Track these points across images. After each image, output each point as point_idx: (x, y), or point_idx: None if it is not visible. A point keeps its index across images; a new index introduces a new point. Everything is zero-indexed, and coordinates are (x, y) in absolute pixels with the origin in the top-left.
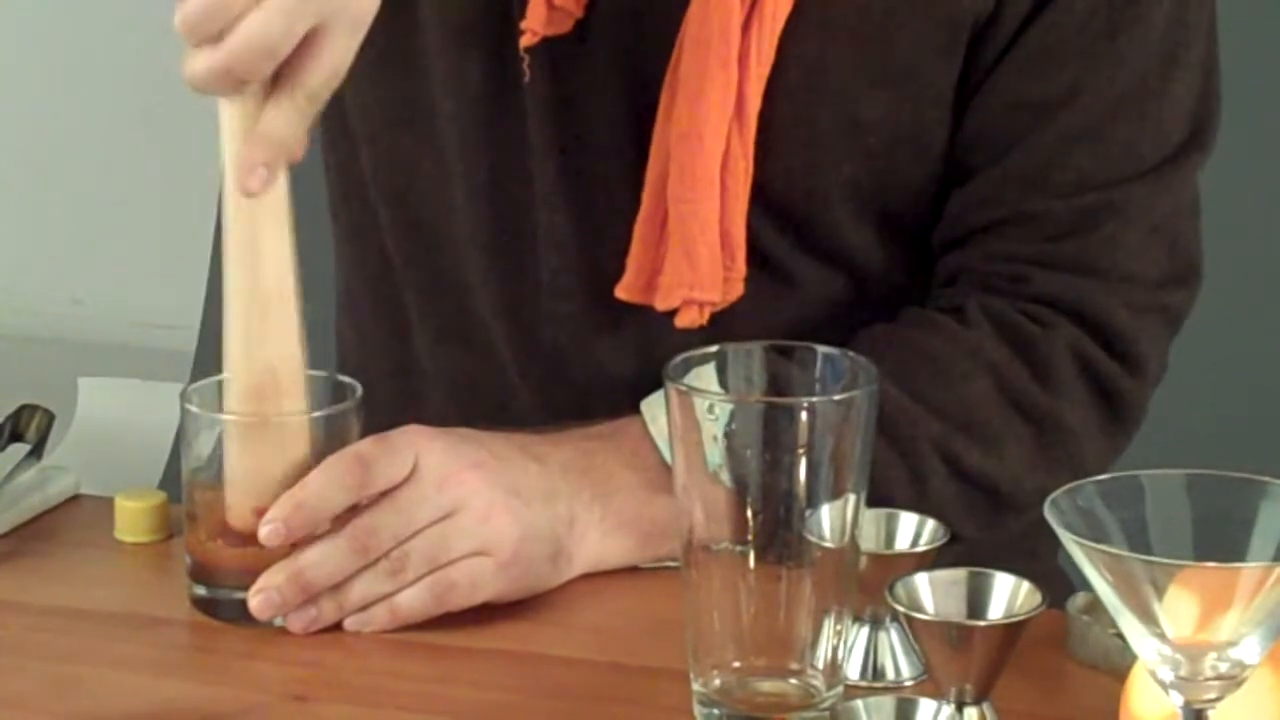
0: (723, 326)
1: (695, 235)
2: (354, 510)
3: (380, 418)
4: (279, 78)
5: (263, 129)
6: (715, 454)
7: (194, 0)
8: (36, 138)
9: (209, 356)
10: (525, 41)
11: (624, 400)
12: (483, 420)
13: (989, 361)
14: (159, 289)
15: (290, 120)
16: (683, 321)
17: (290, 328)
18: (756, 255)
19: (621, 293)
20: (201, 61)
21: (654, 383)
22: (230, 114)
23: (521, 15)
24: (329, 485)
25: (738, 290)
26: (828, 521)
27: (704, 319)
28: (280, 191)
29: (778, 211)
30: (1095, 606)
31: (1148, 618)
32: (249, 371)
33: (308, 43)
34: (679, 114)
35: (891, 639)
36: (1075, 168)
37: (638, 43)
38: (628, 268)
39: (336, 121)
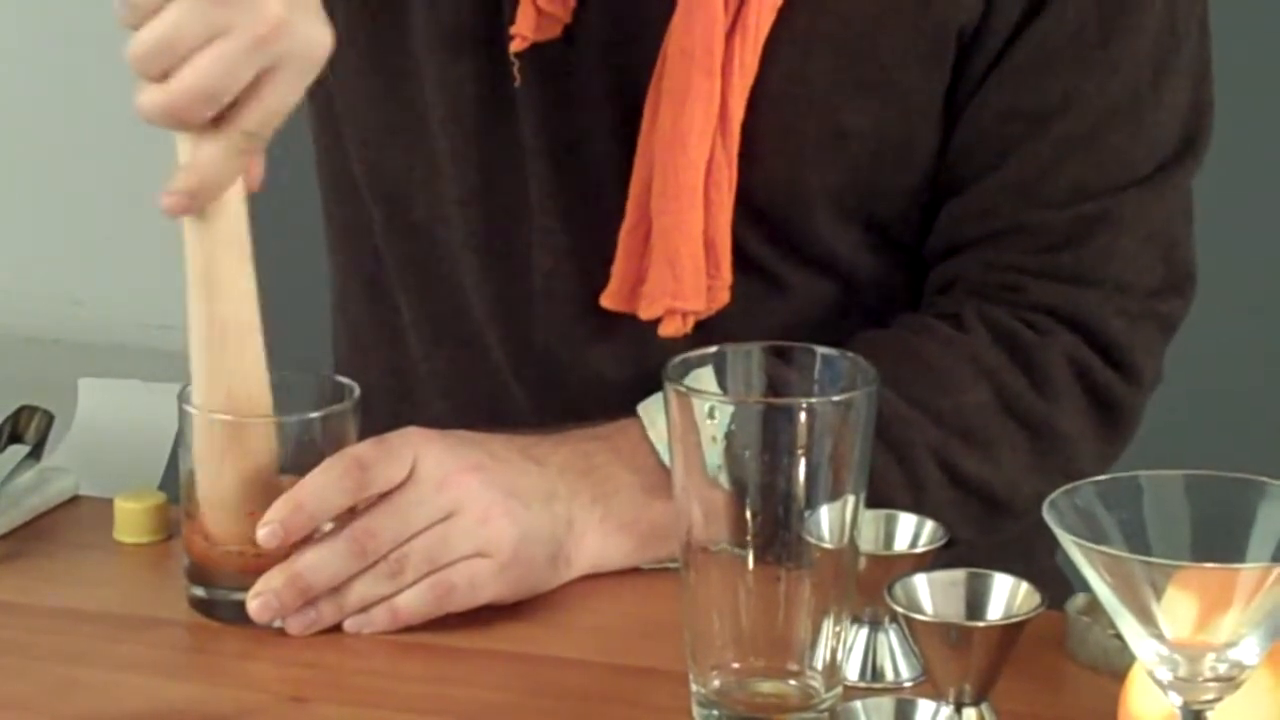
0: (713, 333)
1: (678, 245)
2: (352, 512)
3: (375, 421)
4: (221, 114)
5: (194, 159)
6: (714, 455)
7: (141, 39)
8: (36, 138)
9: None
10: (515, 47)
11: (619, 404)
12: (478, 423)
13: (986, 368)
14: (159, 289)
15: (222, 155)
16: (666, 331)
17: (251, 357)
18: (744, 262)
19: (606, 301)
20: (147, 98)
21: (648, 387)
22: (181, 146)
23: (511, 20)
24: (327, 487)
25: (723, 299)
26: (826, 522)
27: (687, 328)
28: (238, 223)
29: (764, 219)
30: (1094, 607)
31: (1146, 618)
32: (210, 397)
33: (254, 84)
34: (662, 124)
35: (890, 640)
36: (1069, 177)
37: (625, 48)
38: (612, 276)
39: (328, 125)
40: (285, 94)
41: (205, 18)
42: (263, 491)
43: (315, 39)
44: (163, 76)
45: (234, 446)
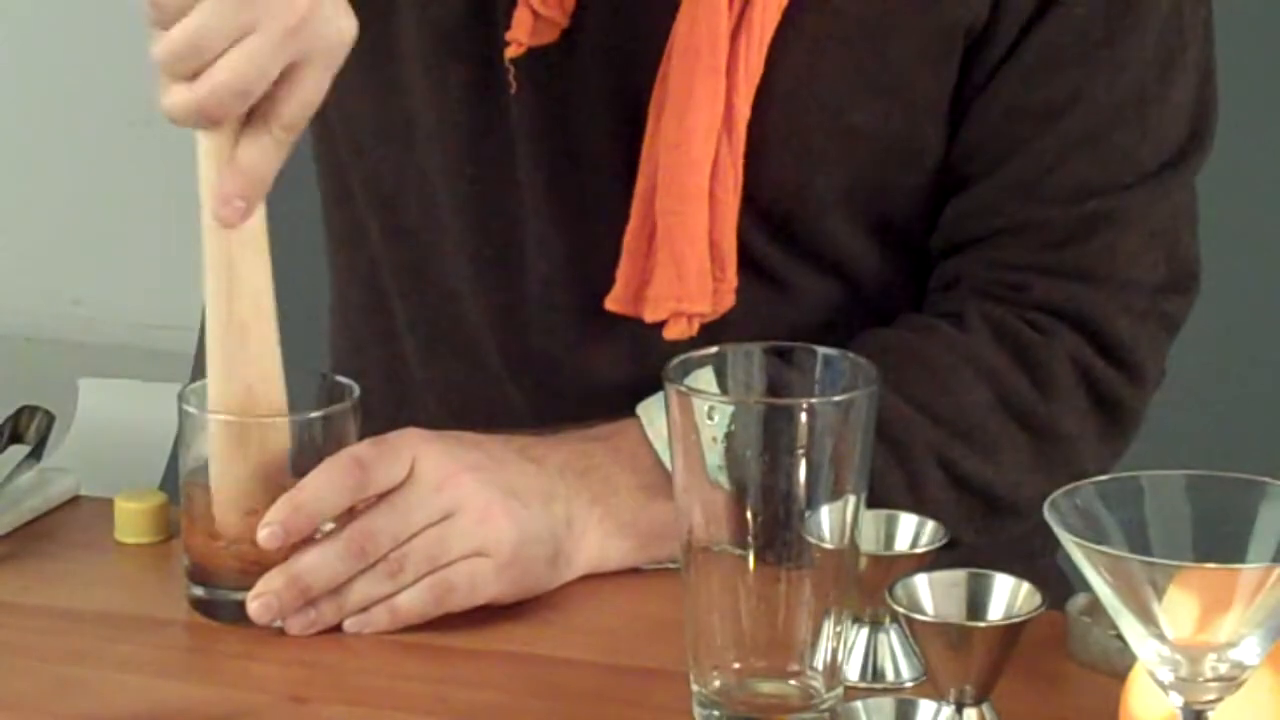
0: (717, 335)
1: (684, 247)
2: (351, 513)
3: (373, 425)
4: (254, 110)
5: (239, 162)
6: (715, 456)
7: (171, 39)
8: (36, 138)
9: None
10: (511, 53)
11: (617, 407)
12: (475, 428)
13: (987, 368)
14: (159, 289)
15: (266, 153)
16: (671, 333)
17: (269, 352)
18: (749, 264)
19: (611, 305)
20: (177, 97)
21: (647, 390)
22: (206, 144)
23: (506, 25)
24: (327, 487)
25: (728, 301)
26: (827, 523)
27: (693, 330)
28: (256, 218)
29: (769, 220)
30: (1095, 608)
31: (1147, 619)
32: (229, 395)
33: (284, 77)
34: (667, 125)
35: (891, 640)
36: (1074, 175)
37: (626, 52)
38: (617, 279)
39: (324, 131)
40: (317, 85)
41: (234, 15)
42: (276, 489)
43: (342, 27)
44: (193, 76)
45: (249, 445)
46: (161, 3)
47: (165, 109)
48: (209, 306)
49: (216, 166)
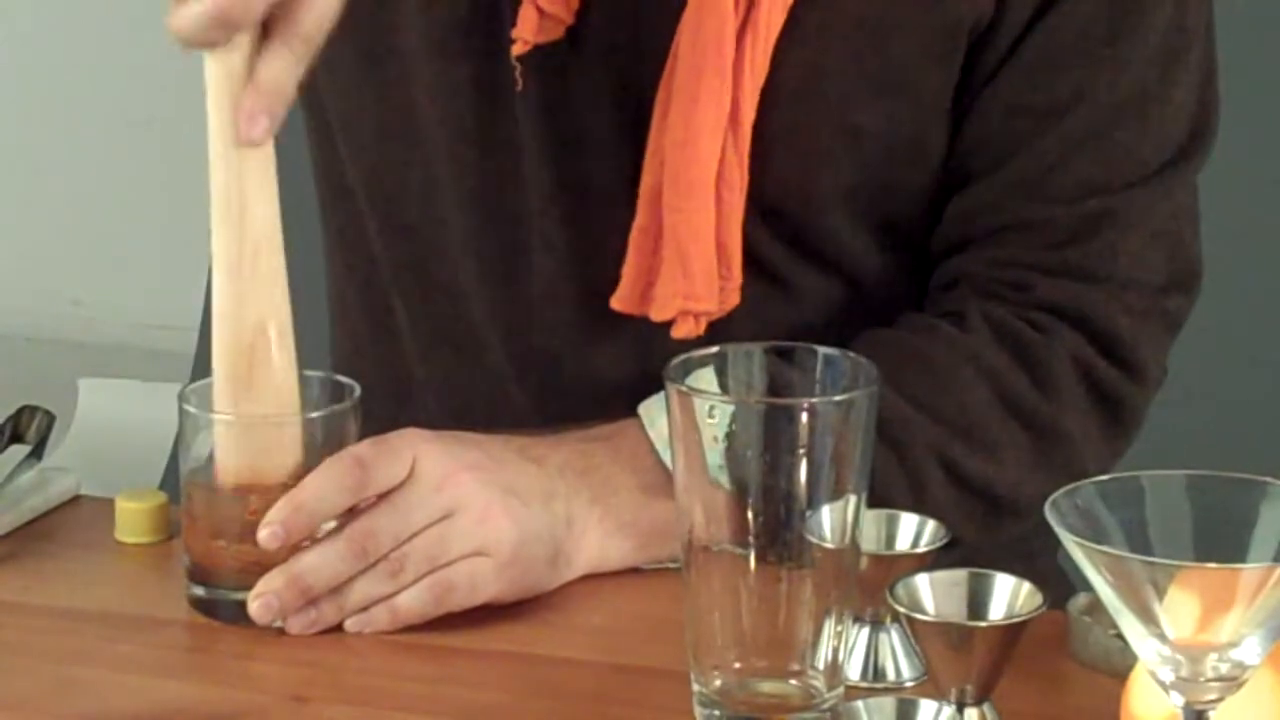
0: (720, 333)
1: (690, 245)
2: (351, 513)
3: (373, 424)
4: (269, 25)
5: (261, 77)
6: (715, 455)
7: None
8: (36, 138)
9: (209, 357)
10: (516, 50)
11: (619, 406)
12: (476, 426)
13: (988, 368)
14: (159, 289)
15: (287, 65)
16: (679, 333)
17: (279, 279)
18: (753, 263)
19: (617, 304)
20: (192, 9)
21: (649, 388)
22: (218, 70)
23: (512, 22)
24: (327, 486)
25: (734, 299)
26: (828, 522)
27: (700, 329)
28: (268, 144)
29: (774, 219)
30: (1096, 607)
31: (1148, 618)
32: (240, 329)
33: None
34: (673, 123)
35: (892, 640)
36: (1077, 173)
37: (631, 50)
38: (623, 278)
39: (322, 130)
40: None
41: None
42: (280, 488)
43: None
44: None
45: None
46: None
47: (177, 30)
48: (217, 240)
49: (230, 89)
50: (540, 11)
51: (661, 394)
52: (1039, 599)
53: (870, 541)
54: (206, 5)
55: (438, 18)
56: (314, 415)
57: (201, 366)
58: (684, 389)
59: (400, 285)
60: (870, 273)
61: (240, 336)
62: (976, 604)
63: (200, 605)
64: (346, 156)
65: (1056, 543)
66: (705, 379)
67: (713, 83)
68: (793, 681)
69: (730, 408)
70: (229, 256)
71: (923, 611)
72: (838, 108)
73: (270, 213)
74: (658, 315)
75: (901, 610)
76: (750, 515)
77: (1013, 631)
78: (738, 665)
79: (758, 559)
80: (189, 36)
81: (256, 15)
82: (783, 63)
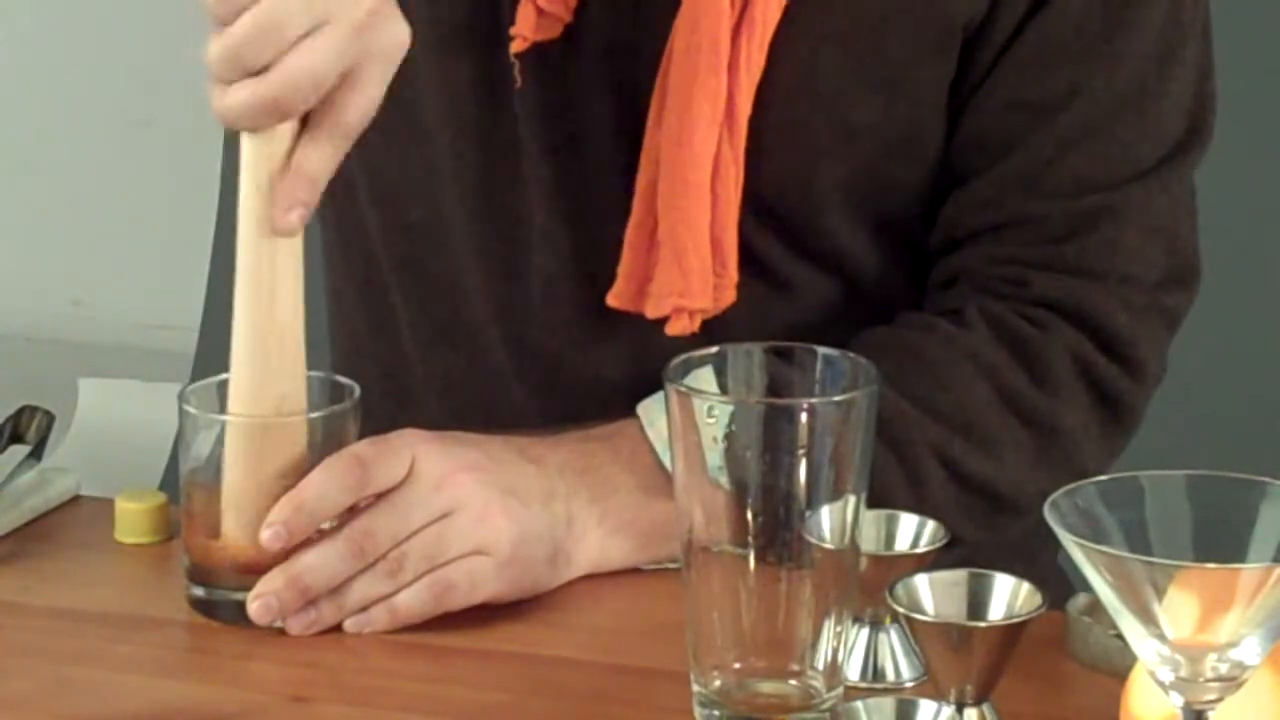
0: (717, 332)
1: (686, 243)
2: (351, 513)
3: (372, 424)
4: (312, 114)
5: (302, 166)
6: (715, 455)
7: (241, 26)
8: (37, 139)
9: (209, 357)
10: (515, 48)
11: (619, 404)
12: (476, 425)
13: (987, 365)
14: (159, 289)
15: (327, 157)
16: (673, 330)
17: (298, 361)
18: (750, 261)
19: (613, 300)
20: (242, 93)
21: (649, 387)
22: (257, 153)
23: (511, 20)
24: (328, 486)
25: (729, 297)
26: (828, 523)
27: (694, 327)
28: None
29: (771, 217)
30: (1095, 607)
31: (1148, 619)
32: (258, 406)
33: (347, 79)
34: (669, 121)
35: (891, 640)
36: (1074, 169)
37: (629, 48)
38: (619, 275)
39: None
40: (378, 86)
41: (308, 5)
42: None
43: (400, 32)
44: (259, 71)
45: (271, 450)
46: None
47: (224, 111)
48: (244, 314)
49: (269, 172)
50: (539, 9)
51: (660, 394)
52: (1039, 599)
53: (870, 542)
54: (260, 90)
55: (439, 15)
56: (314, 415)
57: (201, 366)
58: (683, 389)
59: (401, 284)
60: (868, 271)
61: (257, 408)
62: (976, 604)
63: (200, 605)
64: (347, 154)
65: (1056, 543)
66: (705, 379)
67: (708, 80)
68: (792, 682)
69: (730, 408)
70: (252, 342)
71: (922, 612)
72: (833, 104)
73: (297, 298)
74: (652, 312)
75: (901, 610)
76: (750, 515)
77: (1012, 632)
78: (737, 665)
79: (757, 559)
80: (238, 119)
81: (309, 105)
82: (778, 59)
